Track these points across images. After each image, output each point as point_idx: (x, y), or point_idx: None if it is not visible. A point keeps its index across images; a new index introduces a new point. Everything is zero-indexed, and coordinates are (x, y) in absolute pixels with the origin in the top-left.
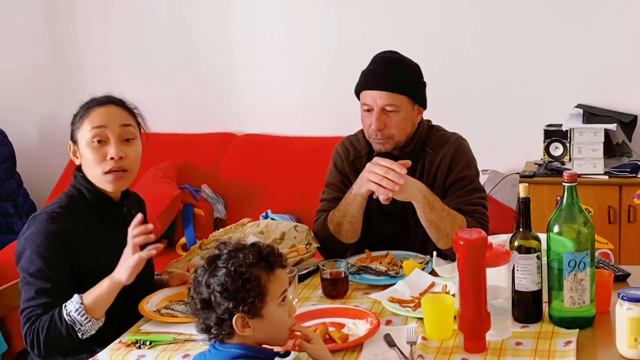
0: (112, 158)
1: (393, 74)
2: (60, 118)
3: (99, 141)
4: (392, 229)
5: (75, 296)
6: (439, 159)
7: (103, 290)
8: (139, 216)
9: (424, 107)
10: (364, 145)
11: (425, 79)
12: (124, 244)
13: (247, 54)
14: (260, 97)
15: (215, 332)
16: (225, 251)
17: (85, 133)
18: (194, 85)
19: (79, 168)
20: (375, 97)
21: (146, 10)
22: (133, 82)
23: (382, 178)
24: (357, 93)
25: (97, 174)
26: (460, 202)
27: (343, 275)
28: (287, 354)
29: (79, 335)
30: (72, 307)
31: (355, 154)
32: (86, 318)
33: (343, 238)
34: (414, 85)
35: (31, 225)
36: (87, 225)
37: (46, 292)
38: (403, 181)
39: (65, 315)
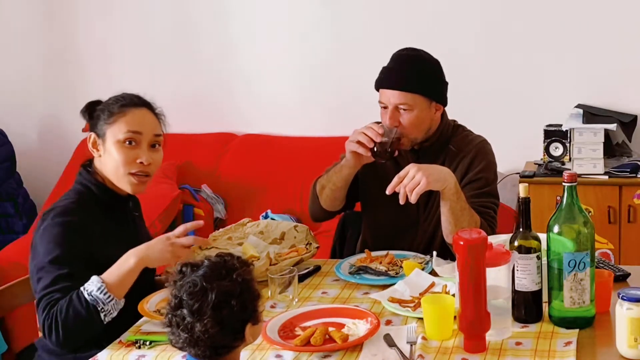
0: (141, 162)
1: (407, 73)
2: (60, 118)
3: (130, 142)
4: (403, 220)
5: (94, 277)
6: (460, 157)
7: (130, 269)
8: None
9: (443, 104)
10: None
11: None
12: (128, 239)
13: (247, 54)
14: (260, 97)
15: (225, 350)
16: (206, 269)
17: (118, 132)
18: (194, 86)
19: (85, 165)
20: (389, 96)
21: (146, 10)
22: (133, 82)
23: (359, 133)
24: (377, 89)
25: (121, 173)
26: (473, 203)
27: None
28: None
29: (102, 316)
30: (92, 286)
31: None
32: (109, 297)
33: (322, 202)
34: (428, 84)
35: (45, 220)
36: (97, 220)
37: (65, 278)
38: (382, 131)
39: (86, 295)
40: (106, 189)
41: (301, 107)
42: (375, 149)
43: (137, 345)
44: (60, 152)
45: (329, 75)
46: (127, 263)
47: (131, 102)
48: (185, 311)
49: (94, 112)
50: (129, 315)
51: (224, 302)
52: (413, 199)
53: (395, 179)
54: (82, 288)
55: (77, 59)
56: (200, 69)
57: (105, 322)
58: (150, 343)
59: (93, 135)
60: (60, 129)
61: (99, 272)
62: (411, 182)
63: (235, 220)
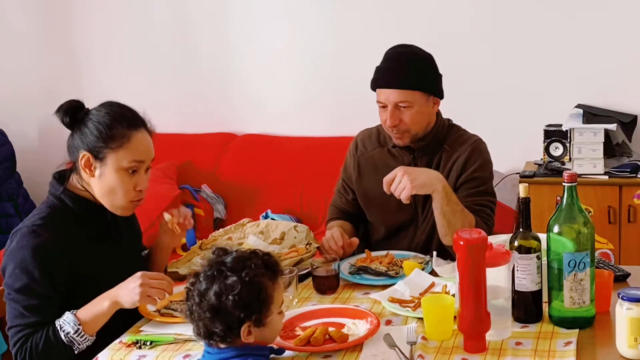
0: (140, 190)
1: (404, 71)
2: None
3: (132, 171)
4: (400, 218)
5: (70, 316)
6: (455, 157)
7: (103, 311)
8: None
9: (440, 97)
10: (375, 141)
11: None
12: (110, 250)
13: (247, 54)
14: (260, 97)
15: (217, 338)
16: (230, 259)
17: (122, 160)
18: (194, 86)
19: (58, 176)
20: (388, 95)
21: (146, 10)
22: (133, 82)
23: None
24: (373, 89)
25: (118, 200)
26: (469, 201)
27: (333, 273)
28: (281, 350)
29: (75, 352)
30: (69, 328)
31: (362, 150)
32: (84, 338)
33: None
34: (425, 79)
35: (13, 240)
36: (70, 235)
37: (34, 310)
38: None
39: (62, 337)
40: (82, 201)
41: (301, 107)
42: (320, 289)
43: (137, 345)
44: (60, 152)
45: (329, 75)
46: (102, 305)
47: (131, 123)
48: (196, 289)
49: (76, 118)
50: (129, 315)
51: (223, 294)
52: (404, 200)
53: (384, 182)
54: (58, 326)
55: (77, 59)
56: (200, 69)
57: (76, 353)
58: (150, 343)
59: (88, 155)
60: (60, 129)
61: (84, 287)
62: (398, 186)
63: (235, 220)
